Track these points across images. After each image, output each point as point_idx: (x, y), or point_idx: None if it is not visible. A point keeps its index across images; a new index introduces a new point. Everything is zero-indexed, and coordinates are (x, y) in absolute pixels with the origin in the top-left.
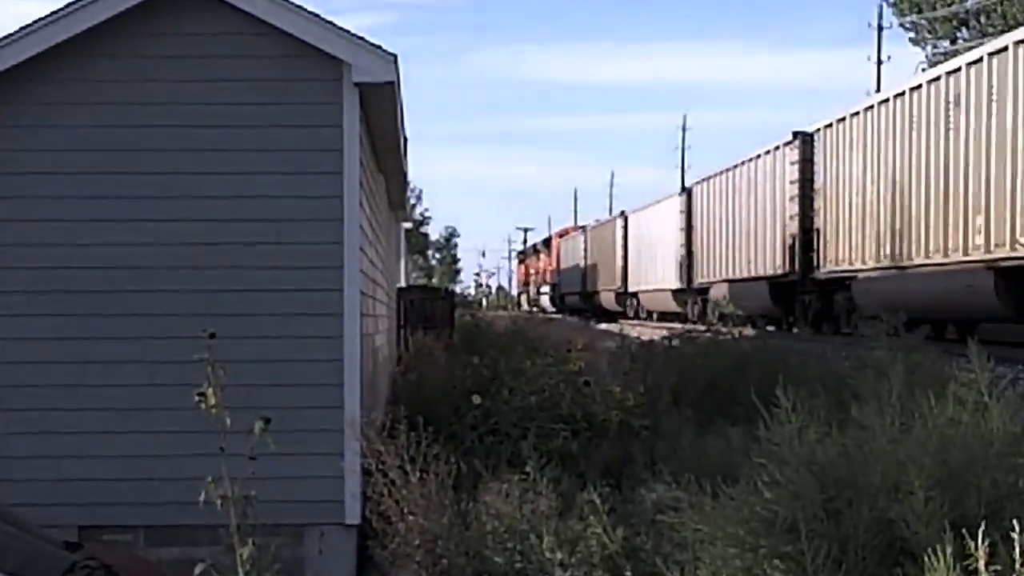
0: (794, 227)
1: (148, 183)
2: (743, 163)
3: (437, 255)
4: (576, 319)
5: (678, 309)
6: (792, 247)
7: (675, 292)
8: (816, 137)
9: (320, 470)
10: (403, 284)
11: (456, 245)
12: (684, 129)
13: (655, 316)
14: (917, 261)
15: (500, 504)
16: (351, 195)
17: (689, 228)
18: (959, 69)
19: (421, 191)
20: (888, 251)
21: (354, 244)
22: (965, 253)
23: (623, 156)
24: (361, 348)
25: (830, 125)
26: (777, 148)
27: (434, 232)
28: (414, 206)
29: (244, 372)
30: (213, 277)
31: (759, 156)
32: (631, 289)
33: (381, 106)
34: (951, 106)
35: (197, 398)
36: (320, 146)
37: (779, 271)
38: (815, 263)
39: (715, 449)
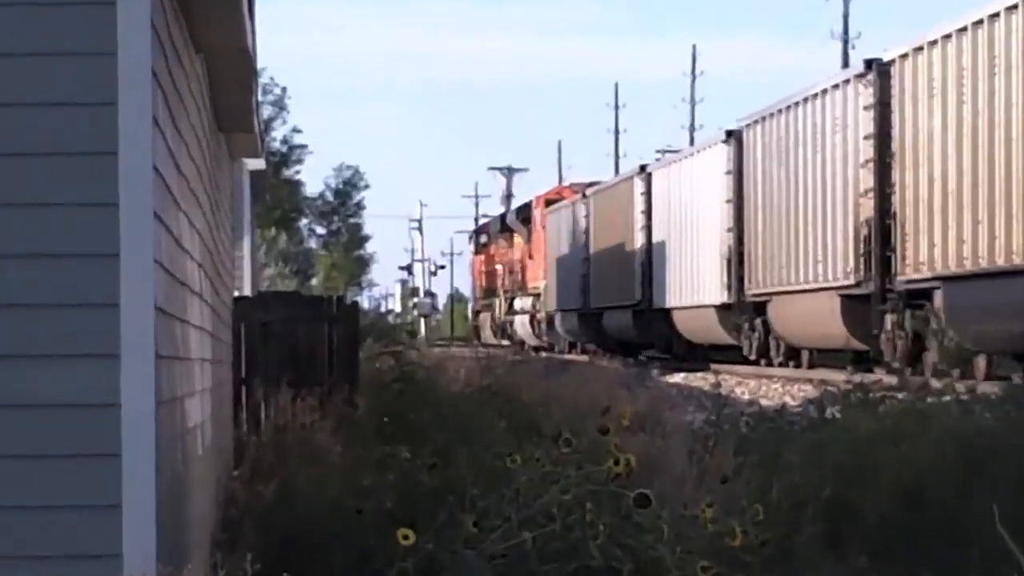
0: (868, 209)
1: None
2: (802, 102)
3: (320, 228)
4: (608, 360)
5: (729, 339)
6: (866, 241)
7: (719, 309)
8: (893, 70)
9: None
10: (247, 290)
11: (362, 207)
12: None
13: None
14: None
15: None
16: (139, 94)
17: (740, 199)
18: None
19: (285, 91)
20: (999, 245)
21: (144, 205)
22: None
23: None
24: (160, 429)
25: (919, 49)
26: (836, 86)
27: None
28: (269, 123)
29: None
30: None
31: (816, 96)
32: (658, 303)
33: None
34: None
35: None
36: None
37: (849, 279)
38: (893, 266)
39: None
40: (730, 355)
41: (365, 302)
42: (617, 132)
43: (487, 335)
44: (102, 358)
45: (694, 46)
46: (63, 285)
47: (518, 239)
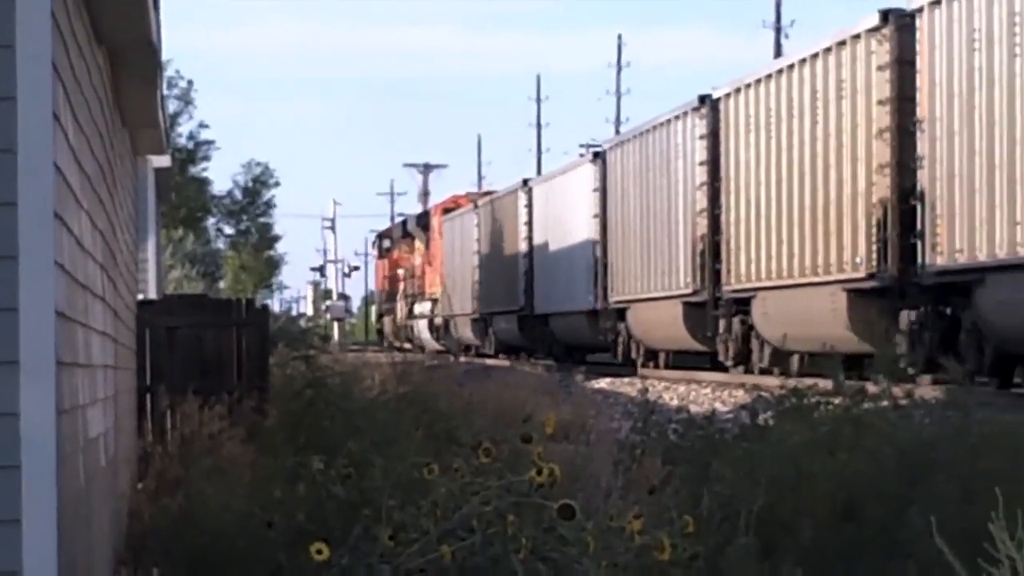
0: (703, 227)
1: None
2: (652, 128)
3: (228, 227)
4: (532, 367)
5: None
6: (701, 255)
7: (588, 315)
8: (721, 105)
9: None
10: (151, 294)
11: (272, 206)
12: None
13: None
14: None
15: None
16: (38, 88)
17: (605, 214)
18: None
19: (191, 84)
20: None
21: (45, 204)
22: None
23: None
24: (61, 440)
25: (738, 90)
26: (679, 117)
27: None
28: (175, 118)
29: None
30: None
31: (663, 124)
32: (539, 310)
33: None
34: None
35: None
36: None
37: (688, 288)
38: (722, 277)
39: None
40: (602, 357)
41: (276, 305)
42: (539, 126)
43: (390, 338)
44: (0, 364)
45: (619, 36)
46: None
47: (419, 245)
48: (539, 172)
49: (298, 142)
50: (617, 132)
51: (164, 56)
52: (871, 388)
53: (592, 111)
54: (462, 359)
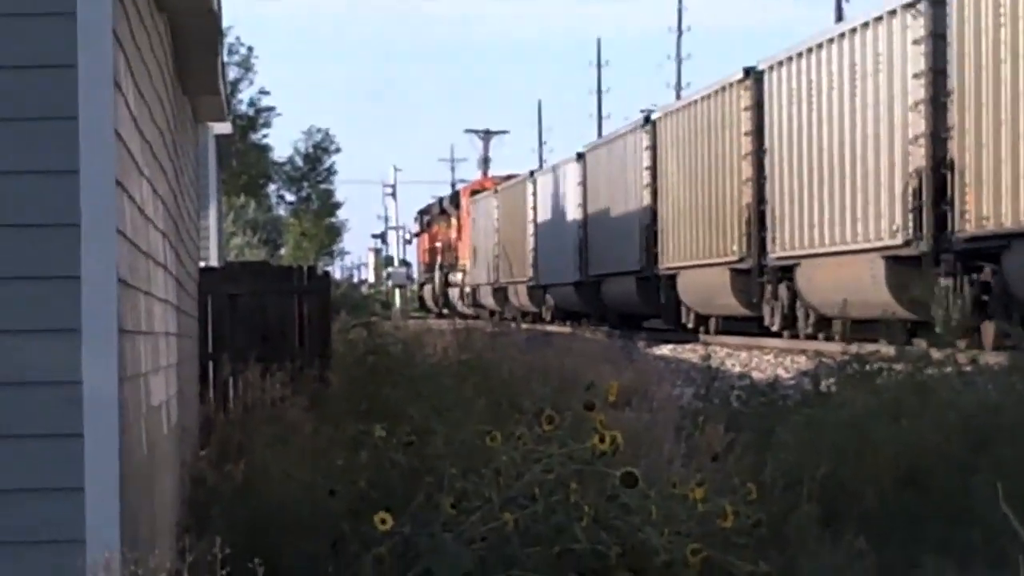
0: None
1: None
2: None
3: (289, 194)
4: (594, 332)
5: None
6: (917, 191)
7: (575, 286)
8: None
9: None
10: (213, 261)
11: (333, 172)
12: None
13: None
14: None
15: None
16: (100, 56)
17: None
18: None
19: (251, 51)
20: None
21: (107, 172)
22: None
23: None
24: (123, 407)
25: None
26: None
27: (283, 144)
28: (235, 84)
29: None
30: None
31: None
32: (543, 282)
33: None
34: None
35: None
36: None
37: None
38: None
39: None
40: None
41: (337, 272)
42: (600, 92)
43: (429, 304)
44: (63, 333)
45: (680, 0)
46: (21, 257)
47: (453, 221)
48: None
49: (359, 109)
50: (678, 97)
51: (224, 23)
52: (935, 354)
53: (652, 76)
54: (523, 326)
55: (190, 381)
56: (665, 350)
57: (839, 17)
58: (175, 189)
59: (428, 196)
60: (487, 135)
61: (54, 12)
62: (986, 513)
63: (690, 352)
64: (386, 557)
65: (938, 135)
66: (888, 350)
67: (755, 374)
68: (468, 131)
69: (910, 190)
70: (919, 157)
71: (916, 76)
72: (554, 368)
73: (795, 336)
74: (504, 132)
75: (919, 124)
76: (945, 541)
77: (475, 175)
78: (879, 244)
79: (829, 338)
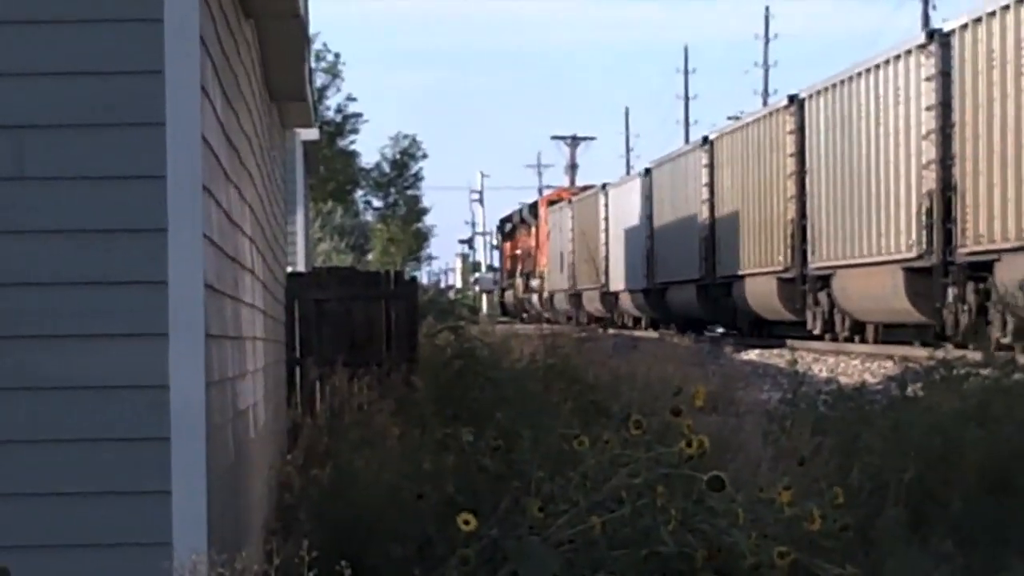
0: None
1: None
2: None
3: (376, 200)
4: (678, 337)
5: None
6: (928, 210)
7: (634, 293)
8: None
9: None
10: (300, 267)
11: (420, 178)
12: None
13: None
14: None
15: None
16: (187, 62)
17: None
18: None
19: (339, 57)
20: None
21: (194, 177)
22: None
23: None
24: (210, 411)
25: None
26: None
27: (370, 150)
28: (323, 91)
29: None
30: None
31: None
32: (612, 289)
33: None
34: None
35: None
36: None
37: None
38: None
39: None
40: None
41: (424, 277)
42: (687, 98)
43: (511, 308)
44: (150, 338)
45: (767, 8)
46: (110, 262)
47: (532, 230)
48: (687, 143)
49: (445, 114)
50: (764, 104)
51: (311, 29)
52: (1021, 359)
53: (739, 83)
54: (611, 331)
55: (278, 385)
56: (752, 355)
57: (925, 23)
58: (262, 195)
59: (515, 202)
60: (574, 141)
61: (142, 18)
62: None
63: (777, 357)
64: (472, 559)
65: (945, 161)
66: (974, 355)
67: (842, 379)
68: (555, 137)
69: (923, 209)
70: (930, 180)
71: (928, 109)
72: (641, 373)
73: (835, 339)
74: (591, 138)
75: (930, 151)
76: None
77: (563, 181)
78: (898, 256)
79: (864, 341)
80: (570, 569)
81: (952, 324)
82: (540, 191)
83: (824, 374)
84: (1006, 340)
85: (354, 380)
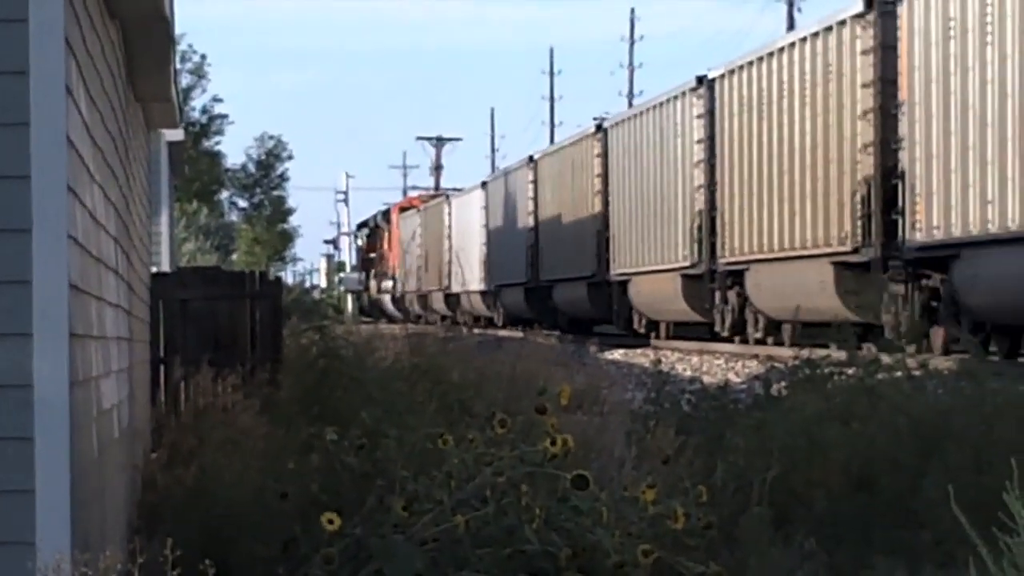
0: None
1: None
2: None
3: (242, 201)
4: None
5: (487, 311)
6: (866, 199)
7: (482, 294)
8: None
9: None
10: (165, 267)
11: (285, 179)
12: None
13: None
14: None
15: None
16: (51, 62)
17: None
18: None
19: (204, 58)
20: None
21: (58, 178)
22: None
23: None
24: (74, 411)
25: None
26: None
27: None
28: (188, 92)
29: None
30: None
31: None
32: (455, 289)
33: None
34: None
35: None
36: None
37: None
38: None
39: None
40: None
41: (289, 278)
42: (552, 99)
43: (366, 307)
44: (14, 337)
45: (632, 9)
46: None
47: (386, 235)
48: (552, 143)
49: (311, 115)
50: (630, 105)
51: (177, 30)
52: (885, 359)
53: (605, 84)
54: (475, 331)
55: (142, 384)
56: (617, 355)
57: (791, 26)
58: (127, 195)
59: (380, 203)
60: (440, 142)
61: (6, 19)
62: (935, 516)
63: (641, 357)
64: (335, 557)
65: (887, 144)
66: (839, 355)
67: (706, 378)
68: (420, 138)
69: (859, 198)
70: (868, 166)
71: (865, 86)
72: (506, 372)
73: (745, 341)
74: (457, 139)
75: (868, 133)
76: (894, 543)
77: (428, 182)
78: (828, 250)
79: (779, 343)
80: (434, 567)
81: (893, 325)
82: (404, 192)
83: (688, 373)
84: (758, 335)
85: (219, 380)
